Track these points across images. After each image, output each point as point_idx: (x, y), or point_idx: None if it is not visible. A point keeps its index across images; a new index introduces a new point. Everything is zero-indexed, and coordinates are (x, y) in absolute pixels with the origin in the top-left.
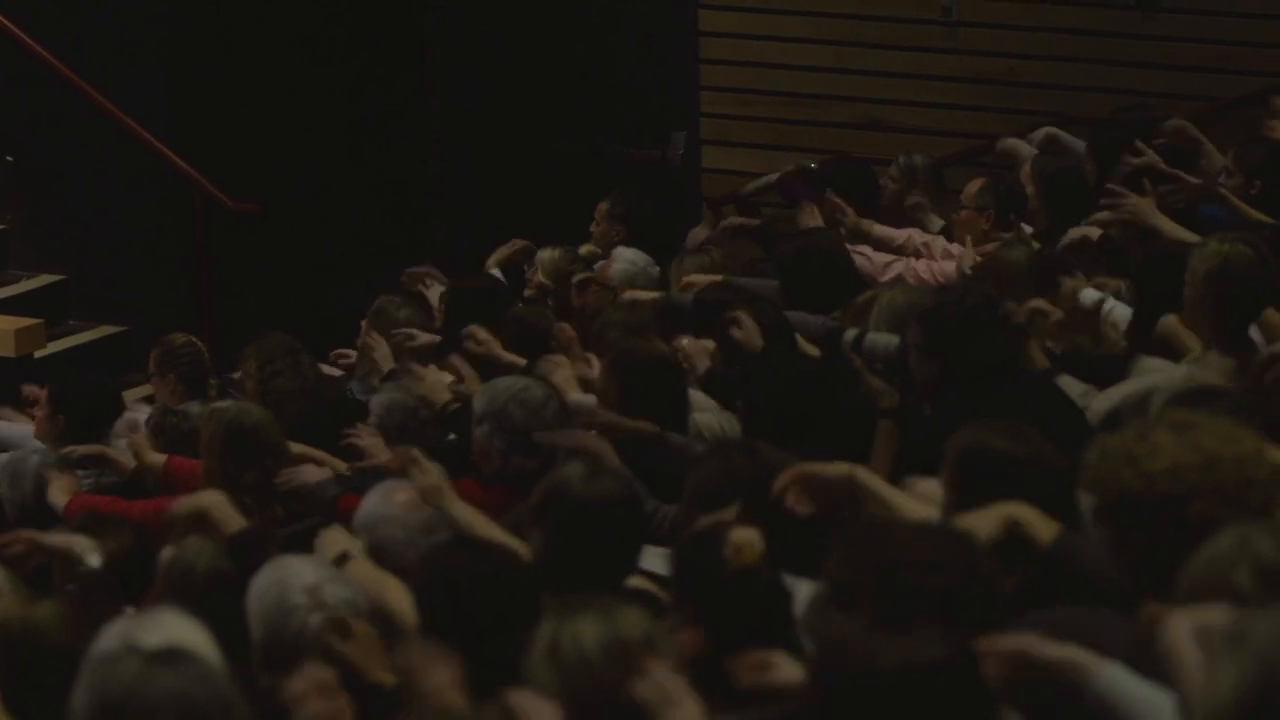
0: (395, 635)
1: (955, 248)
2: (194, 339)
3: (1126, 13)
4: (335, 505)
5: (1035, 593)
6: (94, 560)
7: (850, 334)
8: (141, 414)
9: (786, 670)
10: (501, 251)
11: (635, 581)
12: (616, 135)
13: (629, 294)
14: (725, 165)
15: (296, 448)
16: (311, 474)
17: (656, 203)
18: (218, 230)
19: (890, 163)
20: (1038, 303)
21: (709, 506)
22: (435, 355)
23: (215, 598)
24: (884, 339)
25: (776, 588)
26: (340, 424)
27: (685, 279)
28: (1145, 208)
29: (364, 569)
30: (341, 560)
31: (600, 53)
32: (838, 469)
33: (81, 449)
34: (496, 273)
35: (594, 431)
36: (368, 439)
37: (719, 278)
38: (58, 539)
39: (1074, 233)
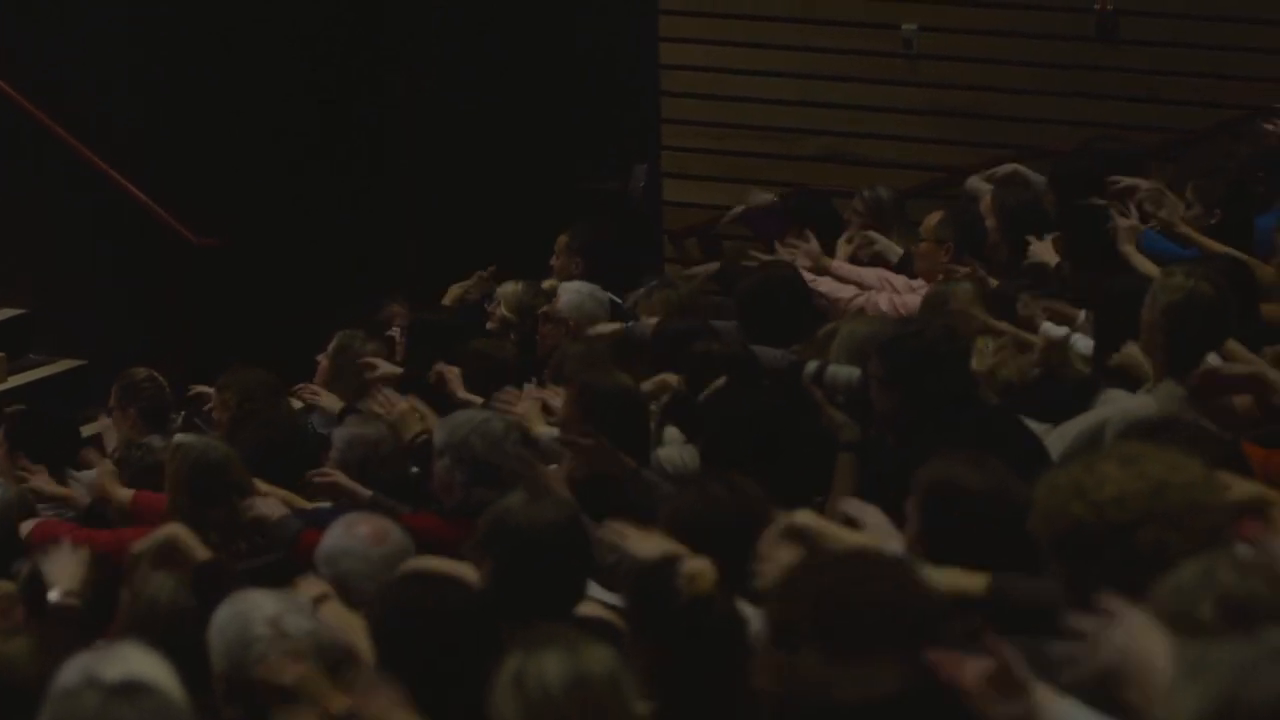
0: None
1: (918, 281)
2: (154, 373)
3: (1089, 45)
4: (297, 540)
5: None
6: (53, 594)
7: (811, 366)
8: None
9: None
10: (457, 289)
11: (593, 610)
12: (579, 168)
13: (594, 330)
14: (687, 198)
15: (260, 485)
16: (274, 508)
17: (617, 235)
18: (180, 265)
19: (854, 195)
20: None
21: (689, 538)
22: (396, 389)
23: (178, 632)
24: (845, 371)
25: (732, 616)
26: (303, 459)
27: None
28: (1130, 232)
29: (335, 609)
30: (317, 601)
31: (563, 86)
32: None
33: (40, 486)
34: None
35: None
36: (331, 478)
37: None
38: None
39: (1033, 251)
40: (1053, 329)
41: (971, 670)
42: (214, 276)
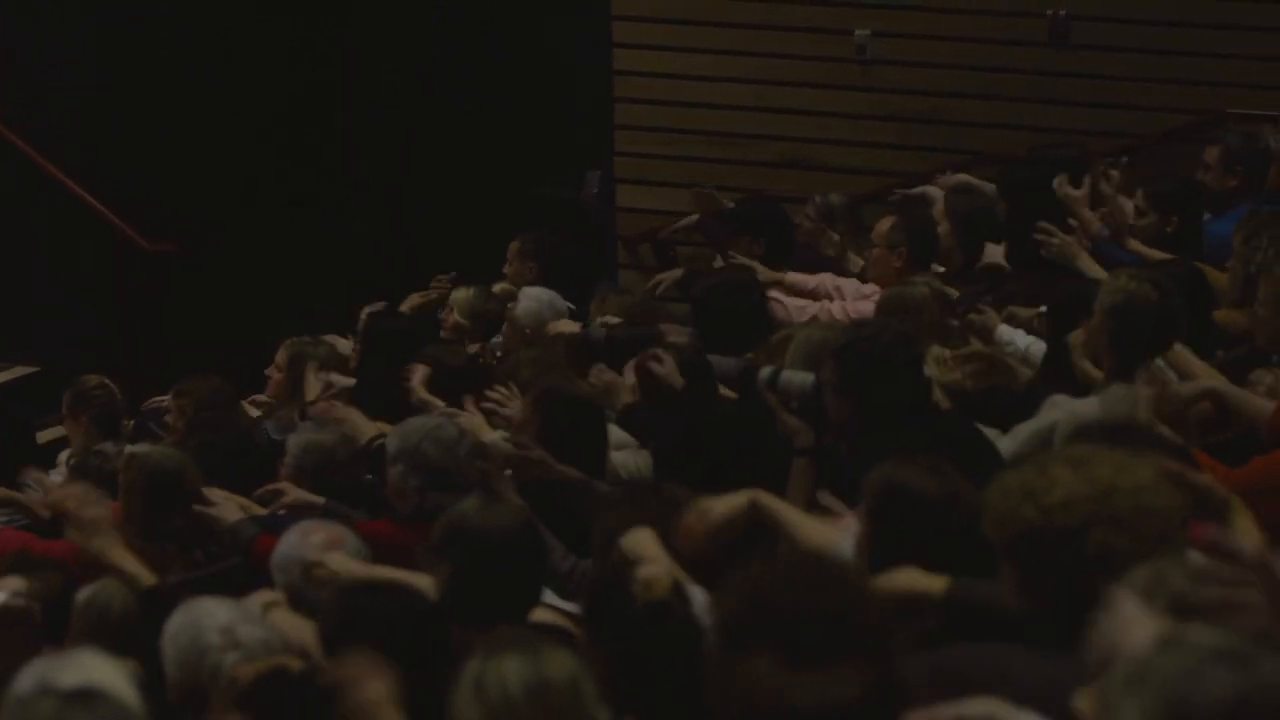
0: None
1: (869, 288)
2: (106, 380)
3: (1042, 50)
4: (253, 546)
5: (939, 639)
6: (1, 596)
7: (765, 373)
8: None
9: None
10: (416, 297)
11: (549, 616)
12: (534, 175)
13: (552, 327)
14: (641, 204)
15: (215, 492)
16: (230, 514)
17: (570, 241)
18: (134, 271)
19: (808, 201)
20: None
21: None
22: (353, 397)
23: (130, 639)
24: (799, 377)
25: (687, 621)
26: (257, 466)
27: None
28: (1071, 247)
29: (286, 616)
30: (267, 609)
31: (517, 92)
32: (738, 499)
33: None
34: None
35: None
36: (284, 486)
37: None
38: None
39: (988, 253)
40: (1008, 333)
41: None
42: (168, 282)
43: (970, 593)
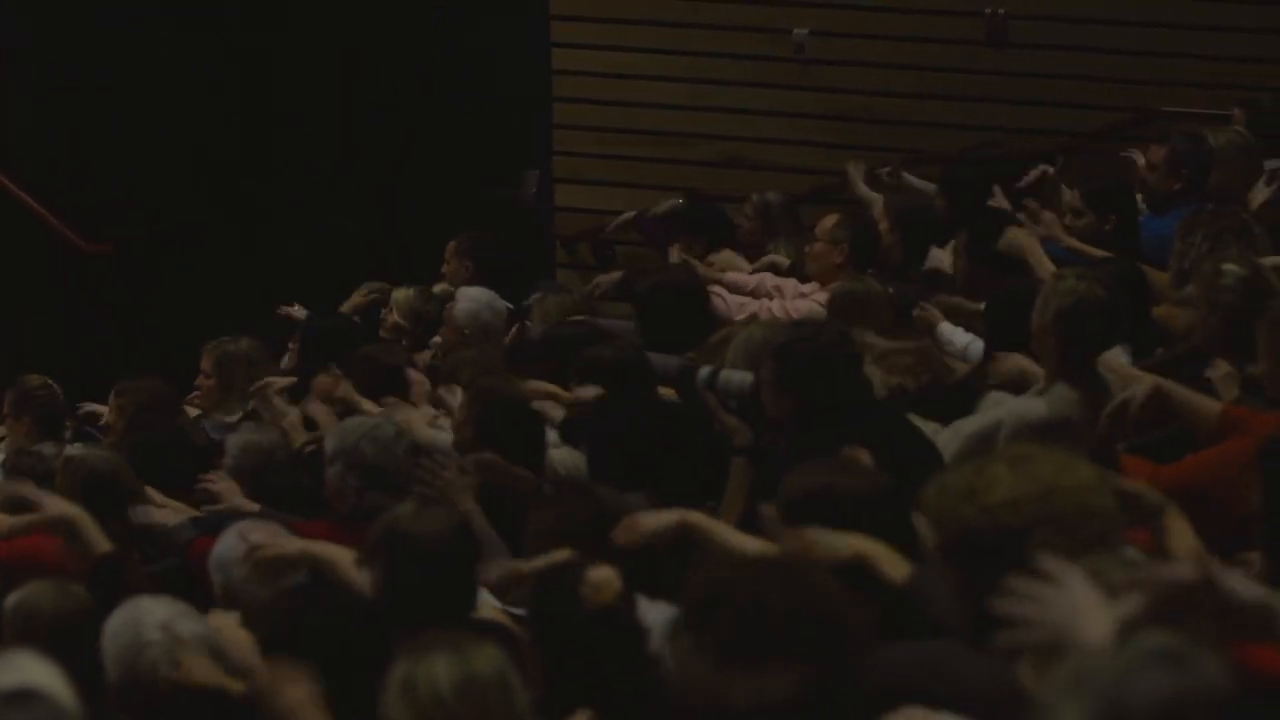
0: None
1: (808, 286)
2: (49, 381)
3: (979, 49)
4: (190, 548)
5: (887, 630)
6: None
7: (704, 372)
8: None
9: None
10: (358, 296)
11: (490, 614)
12: (473, 174)
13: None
14: (580, 203)
15: (153, 494)
16: (168, 515)
17: (508, 240)
18: (72, 271)
19: (746, 200)
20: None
21: (547, 551)
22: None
23: (61, 640)
24: (737, 377)
25: (633, 625)
26: (196, 468)
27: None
28: (1027, 240)
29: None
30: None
31: (454, 91)
32: (667, 517)
33: None
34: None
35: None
36: (221, 484)
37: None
38: None
39: (933, 257)
40: (948, 331)
41: None
42: (105, 283)
43: (931, 591)
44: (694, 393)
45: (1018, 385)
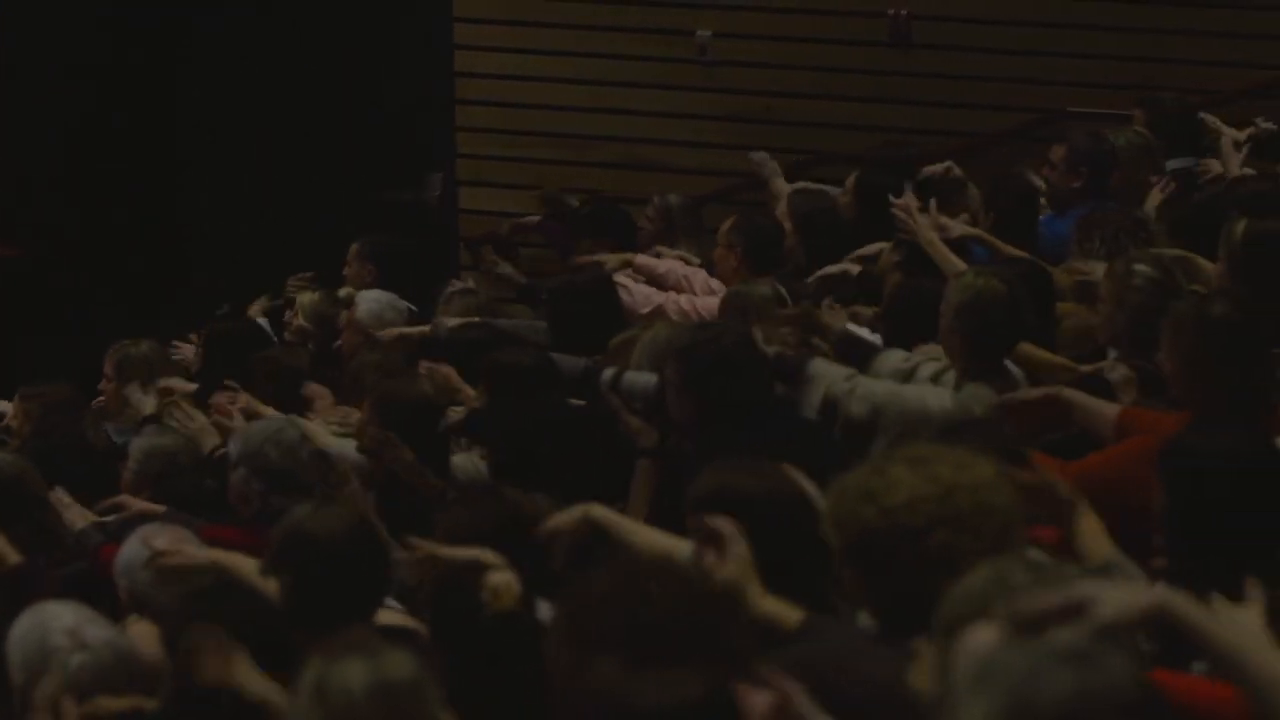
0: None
1: (717, 284)
2: None
3: (882, 50)
4: (97, 554)
5: None
6: None
7: (608, 374)
8: None
9: None
10: (265, 301)
11: (397, 619)
12: (375, 178)
13: (392, 332)
14: (484, 206)
15: (61, 498)
16: (76, 519)
17: (412, 244)
18: None
19: (648, 202)
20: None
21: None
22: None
23: None
24: (642, 378)
25: (533, 629)
26: (100, 471)
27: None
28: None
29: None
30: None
31: (357, 94)
32: (573, 514)
33: None
34: (262, 321)
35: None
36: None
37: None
38: None
39: (832, 268)
40: (854, 330)
41: (758, 702)
42: (10, 287)
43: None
44: (599, 394)
45: None
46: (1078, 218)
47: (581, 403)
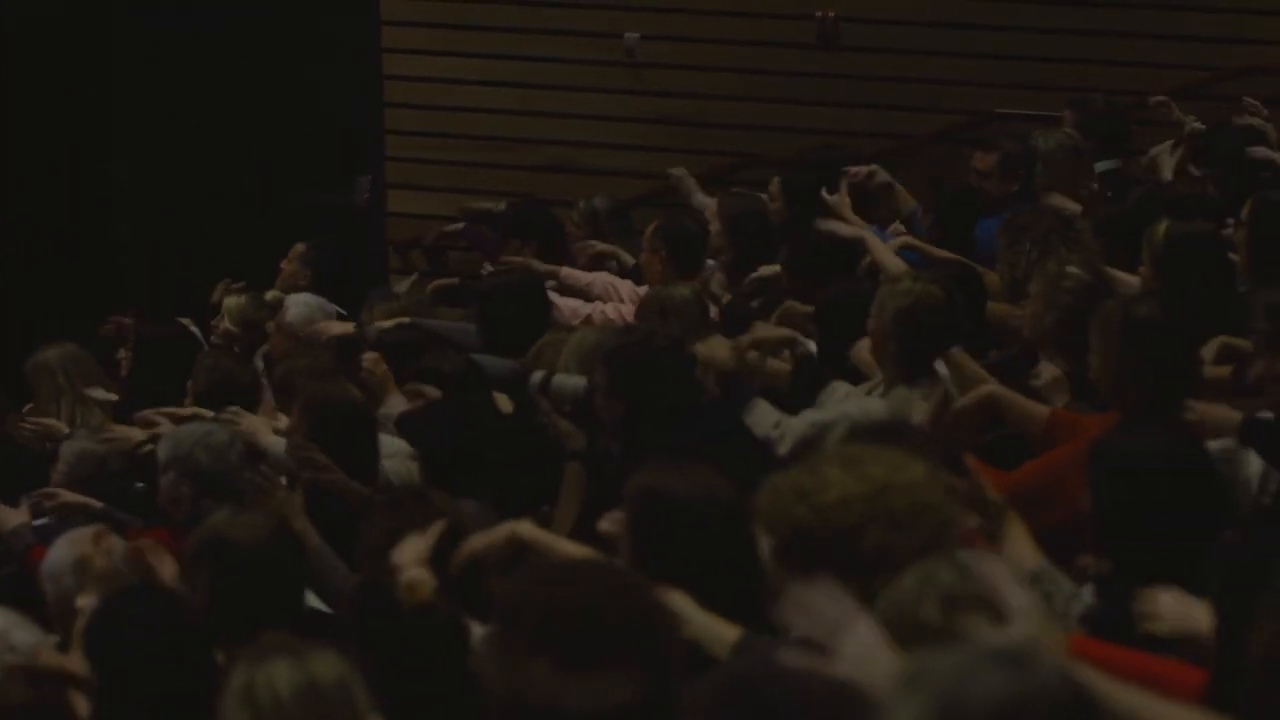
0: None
1: (645, 289)
2: None
3: (811, 52)
4: (28, 556)
5: None
6: None
7: (537, 376)
8: None
9: None
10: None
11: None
12: (302, 181)
13: (323, 327)
14: (412, 209)
15: None
16: (6, 520)
17: (347, 248)
18: None
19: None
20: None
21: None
22: (123, 405)
23: None
24: (571, 381)
25: (454, 623)
26: (30, 474)
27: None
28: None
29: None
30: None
31: (285, 99)
32: (500, 532)
33: None
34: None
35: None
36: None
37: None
38: None
39: (763, 270)
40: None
41: None
42: None
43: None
44: (527, 397)
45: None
46: (1002, 219)
47: (510, 406)
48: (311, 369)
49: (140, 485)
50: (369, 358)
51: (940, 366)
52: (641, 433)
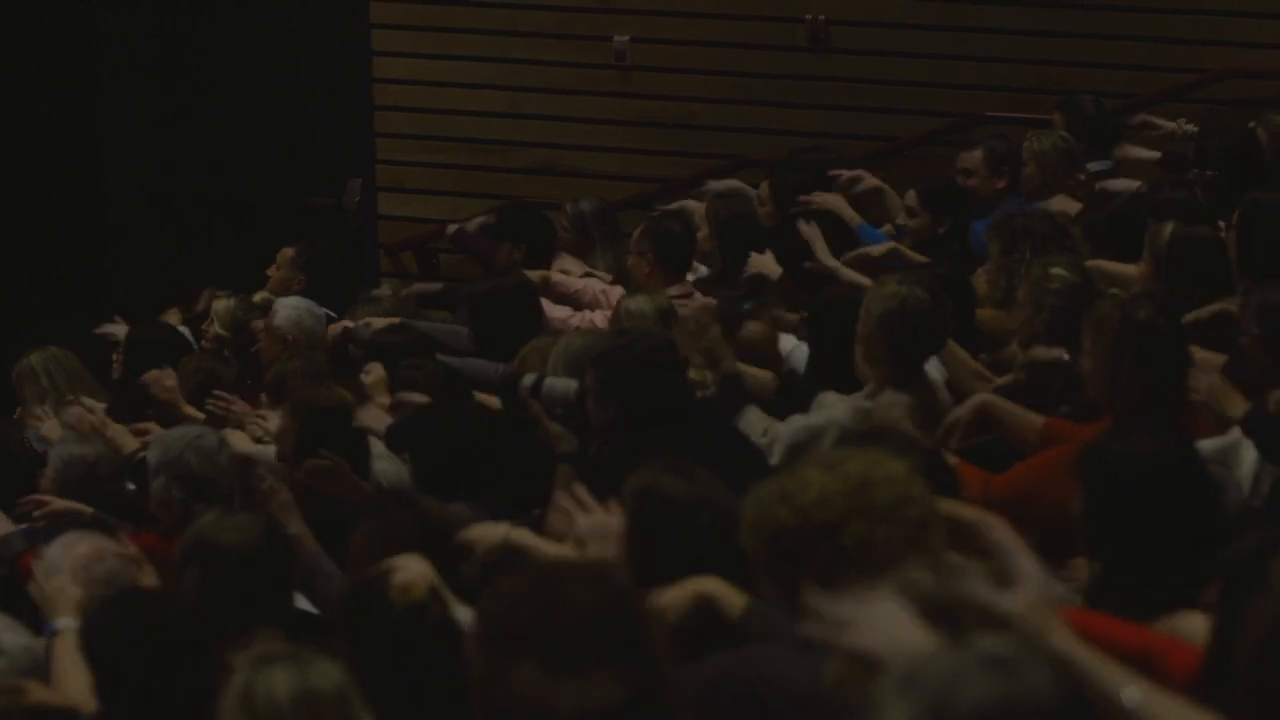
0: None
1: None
2: None
3: (800, 55)
4: (19, 561)
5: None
6: None
7: (527, 380)
8: None
9: None
10: (182, 309)
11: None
12: (293, 183)
13: (335, 328)
14: (403, 212)
15: None
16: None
17: (338, 251)
18: None
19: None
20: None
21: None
22: (116, 407)
23: None
24: (561, 384)
25: (447, 623)
26: (19, 479)
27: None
28: (836, 201)
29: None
30: None
31: (276, 101)
32: (495, 533)
33: None
34: (183, 329)
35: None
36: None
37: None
38: None
39: (753, 263)
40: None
41: None
42: None
43: (766, 621)
44: (517, 401)
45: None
46: (991, 220)
47: (500, 409)
48: (304, 371)
49: (131, 488)
50: (372, 368)
51: (931, 370)
52: (632, 435)
